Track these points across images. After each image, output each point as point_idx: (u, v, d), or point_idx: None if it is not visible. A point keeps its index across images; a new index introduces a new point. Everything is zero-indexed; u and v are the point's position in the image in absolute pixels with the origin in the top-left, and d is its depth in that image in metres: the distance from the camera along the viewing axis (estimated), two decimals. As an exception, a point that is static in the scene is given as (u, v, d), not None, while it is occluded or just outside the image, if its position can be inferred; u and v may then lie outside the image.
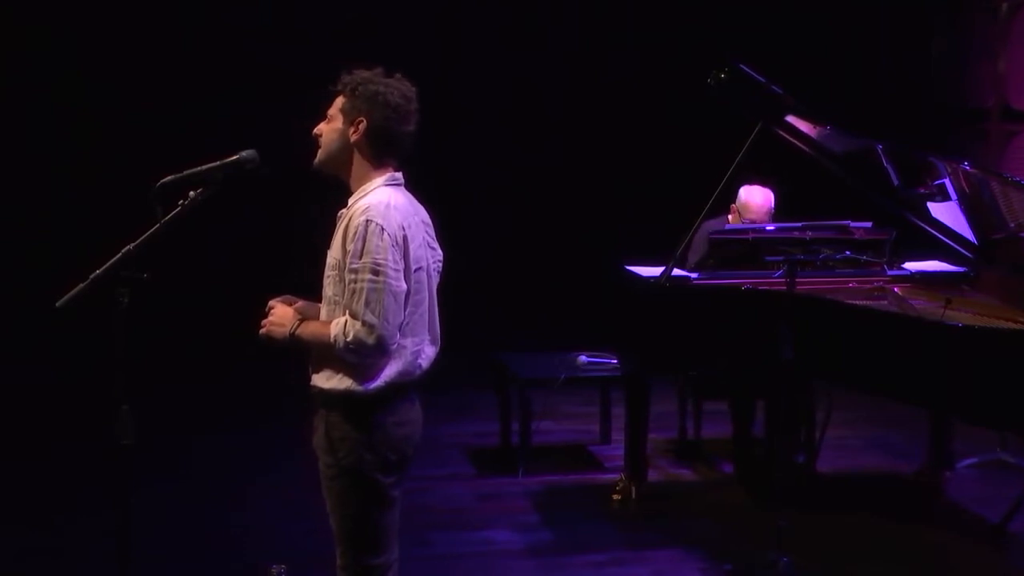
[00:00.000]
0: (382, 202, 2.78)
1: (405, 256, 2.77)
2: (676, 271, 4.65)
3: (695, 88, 4.57)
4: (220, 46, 7.62)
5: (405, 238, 2.77)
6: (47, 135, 7.45)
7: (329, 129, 2.86)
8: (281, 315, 2.84)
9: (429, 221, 2.92)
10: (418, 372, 2.85)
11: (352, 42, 7.30)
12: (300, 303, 2.90)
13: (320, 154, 2.88)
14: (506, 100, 8.31)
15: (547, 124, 8.42)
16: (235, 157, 2.81)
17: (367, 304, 2.70)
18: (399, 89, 2.83)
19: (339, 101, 2.86)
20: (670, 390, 5.68)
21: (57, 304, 2.64)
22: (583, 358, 5.51)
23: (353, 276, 2.73)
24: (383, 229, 2.73)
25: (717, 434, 5.68)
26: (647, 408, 4.90)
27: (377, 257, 2.72)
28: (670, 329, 4.57)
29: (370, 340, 2.70)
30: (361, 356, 2.74)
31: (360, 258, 2.72)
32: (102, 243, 2.92)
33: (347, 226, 2.78)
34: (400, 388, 2.82)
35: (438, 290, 2.92)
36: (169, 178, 2.71)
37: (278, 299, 2.89)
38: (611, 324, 4.92)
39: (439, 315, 2.91)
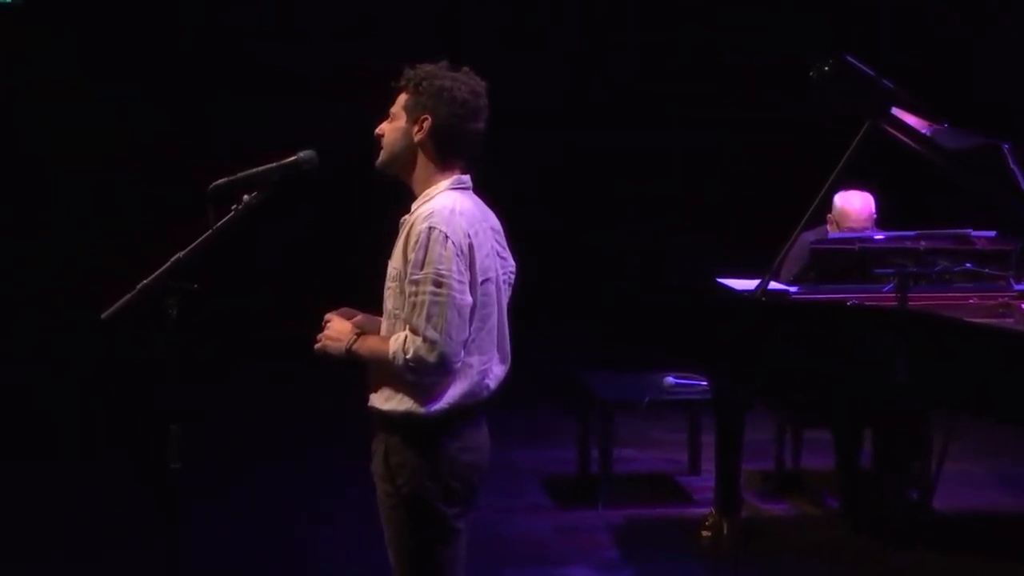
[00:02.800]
0: (447, 207, 2.78)
1: (471, 266, 2.77)
2: (773, 284, 4.61)
3: (774, 85, 4.53)
4: (268, 43, 7.77)
5: (471, 246, 2.77)
6: (91, 137, 7.65)
7: (392, 128, 2.88)
8: (338, 329, 2.86)
9: (499, 228, 2.92)
10: (485, 393, 2.85)
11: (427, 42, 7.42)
12: (359, 317, 2.92)
13: (382, 155, 2.90)
14: (555, 100, 8.37)
15: (609, 123, 8.43)
16: (292, 158, 2.85)
17: (428, 319, 2.71)
18: (467, 84, 2.83)
19: (402, 98, 2.87)
20: (766, 416, 5.62)
21: (102, 316, 2.70)
22: (670, 379, 5.48)
23: (414, 288, 2.74)
24: (447, 237, 2.73)
25: (819, 465, 5.59)
26: (741, 435, 4.85)
27: (440, 267, 2.72)
28: (766, 348, 4.53)
29: (431, 358, 2.71)
30: (422, 375, 2.75)
31: (422, 268, 2.73)
32: (150, 251, 2.97)
33: (408, 233, 2.79)
34: (466, 410, 2.82)
35: (509, 303, 2.92)
36: (221, 181, 2.77)
37: (336, 312, 2.91)
38: (701, 342, 4.87)
39: (509, 331, 2.90)
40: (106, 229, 7.64)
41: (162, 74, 7.76)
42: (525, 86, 7.80)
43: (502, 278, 2.90)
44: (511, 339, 2.91)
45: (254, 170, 2.83)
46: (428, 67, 2.86)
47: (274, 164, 2.84)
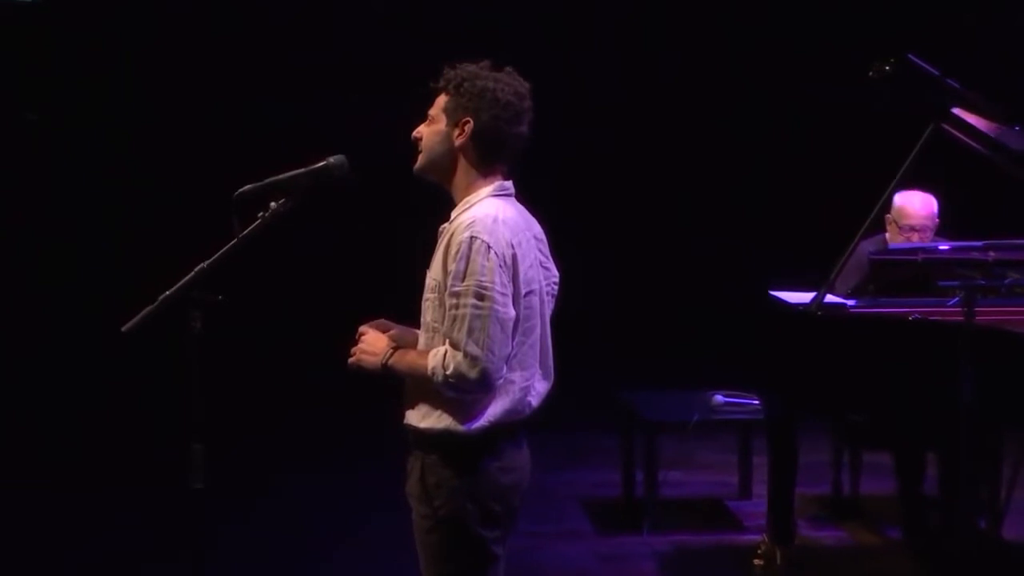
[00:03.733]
0: (489, 215, 2.78)
1: (515, 278, 2.77)
2: (829, 297, 4.56)
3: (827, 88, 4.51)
4: (296, 40, 7.81)
5: (515, 257, 2.77)
6: (112, 139, 7.70)
7: (431, 131, 2.88)
8: (373, 343, 2.86)
9: (543, 236, 2.92)
10: (527, 411, 2.84)
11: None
12: (395, 329, 2.92)
13: (421, 159, 2.89)
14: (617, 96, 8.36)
15: (652, 128, 8.42)
16: (322, 163, 2.85)
17: (470, 333, 2.71)
18: (510, 85, 2.83)
19: (441, 100, 2.87)
20: (822, 437, 5.57)
21: (123, 329, 2.71)
22: (719, 398, 5.45)
23: (455, 300, 2.74)
24: (489, 247, 2.73)
25: (878, 490, 5.54)
26: (795, 458, 4.80)
27: (482, 279, 2.72)
28: (822, 365, 4.48)
29: (472, 374, 2.71)
30: (462, 391, 2.74)
31: (463, 280, 2.73)
32: (173, 260, 2.99)
33: (449, 243, 2.78)
34: (507, 429, 2.81)
35: (552, 316, 2.91)
36: (248, 187, 2.78)
37: (371, 324, 2.91)
38: (752, 358, 4.83)
39: (552, 345, 2.89)
40: (126, 237, 7.68)
41: (188, 74, 7.80)
42: (572, 86, 7.83)
43: (545, 289, 2.89)
44: (554, 354, 2.90)
45: (282, 176, 2.83)
46: (469, 67, 2.85)
47: (302, 169, 2.85)
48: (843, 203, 4.92)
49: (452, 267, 2.74)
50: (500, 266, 2.73)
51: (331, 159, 2.87)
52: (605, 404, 5.90)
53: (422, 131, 2.89)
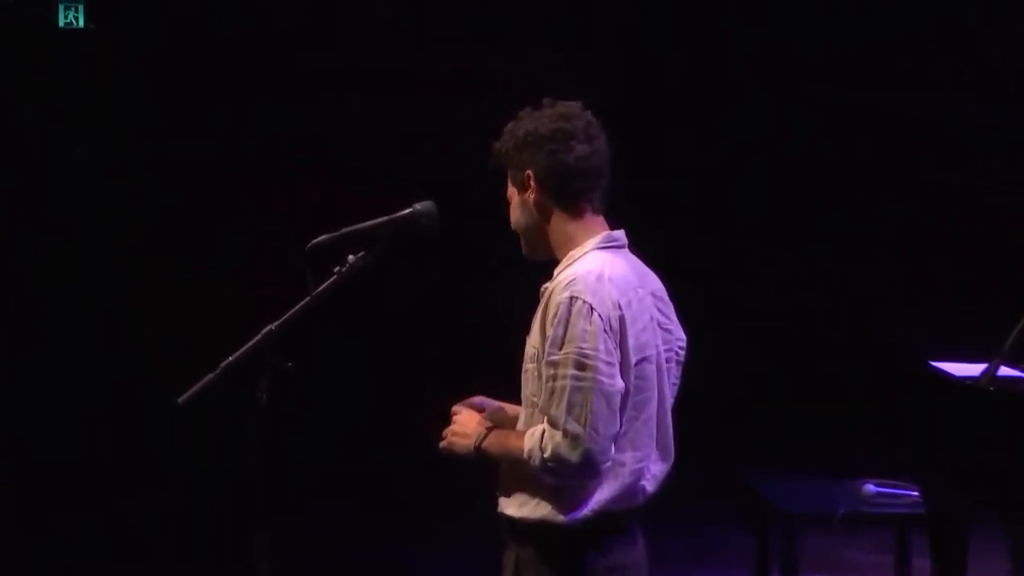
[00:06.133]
0: (592, 272, 2.77)
1: (622, 344, 2.74)
2: (1004, 370, 4.45)
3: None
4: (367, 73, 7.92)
5: (622, 320, 2.74)
6: (164, 175, 7.79)
7: (513, 210, 2.91)
8: (465, 424, 2.86)
9: (663, 294, 2.89)
10: (641, 498, 2.81)
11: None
12: (492, 408, 2.91)
13: (523, 243, 2.93)
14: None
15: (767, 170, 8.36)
16: (407, 210, 2.87)
17: (570, 409, 2.69)
18: (550, 114, 2.85)
19: (508, 176, 2.91)
20: (997, 535, 5.39)
21: (180, 400, 2.73)
22: (870, 487, 5.32)
23: (552, 371, 2.72)
24: (592, 309, 2.71)
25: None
26: (964, 559, 4.66)
27: (584, 346, 2.70)
28: (996, 449, 4.36)
29: (574, 456, 2.68)
30: (562, 476, 2.71)
31: (561, 347, 2.71)
32: (237, 321, 2.99)
33: (547, 304, 2.77)
34: (616, 519, 2.78)
35: (679, 385, 2.89)
36: (323, 238, 2.80)
37: (464, 403, 2.91)
38: (910, 441, 4.75)
39: (673, 420, 2.86)
40: (183, 296, 7.77)
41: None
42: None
43: (664, 355, 2.85)
44: (675, 431, 2.87)
45: (361, 225, 2.85)
46: (509, 126, 2.88)
47: (385, 218, 2.86)
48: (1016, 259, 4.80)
49: (550, 332, 2.73)
50: (605, 331, 2.71)
51: (418, 205, 2.88)
52: (735, 492, 5.80)
53: (512, 215, 2.93)
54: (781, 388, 7.86)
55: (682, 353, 2.91)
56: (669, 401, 2.86)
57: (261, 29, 7.62)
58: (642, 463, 2.78)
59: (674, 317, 2.90)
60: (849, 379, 6.53)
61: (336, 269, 2.81)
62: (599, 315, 2.71)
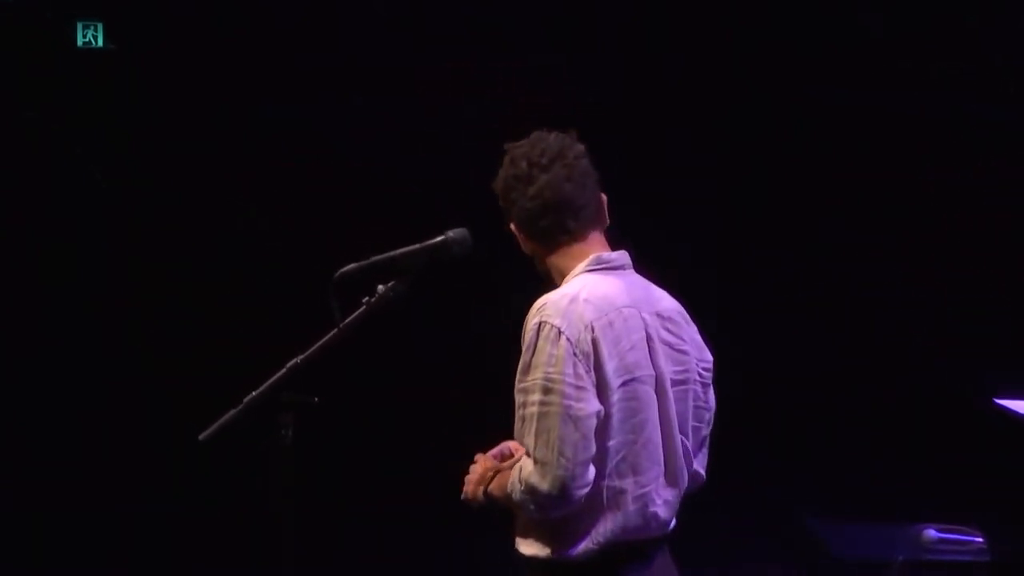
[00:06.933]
0: (566, 295, 2.79)
1: (597, 366, 2.74)
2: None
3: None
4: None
5: (595, 341, 2.74)
6: (184, 199, 7.79)
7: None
8: (479, 471, 2.89)
9: (674, 314, 2.90)
10: (653, 524, 2.79)
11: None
12: (518, 456, 2.88)
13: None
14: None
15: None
16: (439, 238, 2.85)
17: (538, 436, 2.71)
18: (505, 163, 2.91)
19: None
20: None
21: (200, 437, 2.72)
22: (931, 533, 5.28)
23: (522, 399, 2.75)
24: (560, 333, 2.73)
25: None
26: (1030, 610, 4.61)
27: (550, 371, 2.72)
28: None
29: (544, 485, 2.69)
30: (540, 507, 2.73)
31: (529, 373, 2.74)
32: (260, 354, 2.97)
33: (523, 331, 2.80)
34: (629, 550, 2.77)
35: (715, 409, 2.90)
36: (351, 267, 2.79)
37: (492, 452, 2.92)
38: (974, 484, 4.71)
39: (698, 442, 2.88)
40: (203, 329, 7.75)
41: (276, 127, 7.92)
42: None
43: (676, 376, 2.85)
44: (705, 451, 2.89)
45: (391, 253, 2.83)
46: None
47: (416, 246, 2.85)
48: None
49: (521, 359, 2.77)
50: (573, 354, 2.73)
51: (450, 233, 2.87)
52: (783, 531, 5.76)
53: None
54: (832, 422, 7.79)
55: (708, 375, 2.92)
56: (682, 423, 2.85)
57: (260, 29, 7.67)
58: (646, 488, 2.78)
59: (693, 337, 2.91)
60: (909, 414, 6.50)
61: (365, 300, 2.80)
62: (567, 338, 2.73)
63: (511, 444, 2.92)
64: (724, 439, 2.94)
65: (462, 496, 2.90)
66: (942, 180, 6.95)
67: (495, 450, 2.93)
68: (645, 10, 8.17)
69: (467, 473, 2.90)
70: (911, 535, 5.30)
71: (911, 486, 5.61)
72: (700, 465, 2.93)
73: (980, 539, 5.07)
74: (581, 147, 2.92)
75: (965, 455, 4.87)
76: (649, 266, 3.00)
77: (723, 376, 3.00)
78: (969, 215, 8.05)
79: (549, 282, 2.92)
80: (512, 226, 2.91)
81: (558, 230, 2.87)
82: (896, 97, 6.13)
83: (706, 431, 2.94)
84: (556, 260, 2.90)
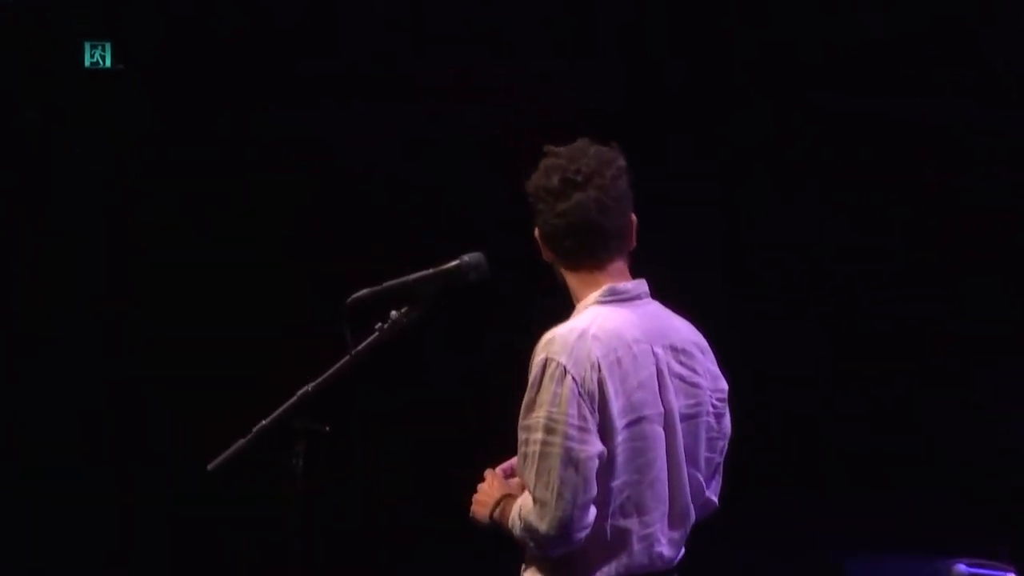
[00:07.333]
0: (575, 330, 2.76)
1: (602, 407, 2.72)
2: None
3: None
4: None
5: (601, 381, 2.72)
6: (193, 222, 7.78)
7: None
8: (487, 491, 2.88)
9: (688, 345, 2.87)
10: (660, 564, 2.79)
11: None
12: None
13: None
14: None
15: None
16: (454, 262, 2.84)
17: (538, 475, 2.70)
18: (540, 167, 2.86)
19: None
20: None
21: (209, 467, 2.71)
22: (962, 568, 5.24)
23: (525, 436, 2.74)
24: (566, 371, 2.71)
25: None
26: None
27: (553, 411, 2.70)
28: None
29: (543, 526, 2.68)
30: (541, 547, 2.72)
31: (532, 411, 2.72)
32: (270, 382, 2.96)
33: (530, 364, 2.78)
34: None
35: (730, 437, 2.90)
36: (363, 292, 2.77)
37: (502, 467, 2.91)
38: (1008, 514, 4.67)
39: (712, 475, 2.88)
40: (211, 356, 7.72)
41: (286, 150, 7.92)
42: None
43: (688, 411, 2.83)
44: (718, 478, 2.89)
45: (405, 278, 2.81)
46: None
47: (430, 271, 2.83)
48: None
49: (526, 395, 2.75)
50: (579, 394, 2.71)
51: (465, 257, 2.85)
52: (811, 570, 5.73)
53: None
54: (855, 450, 7.76)
55: (722, 405, 2.90)
56: (693, 456, 2.84)
57: (261, 35, 7.70)
58: (651, 528, 2.77)
59: (708, 368, 2.89)
60: (937, 442, 6.47)
61: (378, 325, 2.78)
62: (572, 377, 2.71)
63: (515, 460, 2.90)
64: (736, 462, 2.91)
65: (470, 514, 2.89)
66: (944, 185, 6.95)
67: (505, 464, 2.92)
68: (647, 16, 8.21)
69: (476, 489, 2.90)
70: (941, 569, 5.26)
71: (941, 518, 5.58)
72: (713, 492, 2.92)
73: (1012, 573, 5.04)
74: (622, 164, 2.86)
75: (998, 486, 4.85)
76: (651, 272, 2.96)
77: (731, 382, 2.98)
78: (971, 220, 8.02)
79: (564, 292, 2.89)
80: (536, 232, 2.87)
81: (580, 253, 2.84)
82: (897, 103, 6.16)
83: (719, 459, 2.93)
84: (572, 281, 2.87)
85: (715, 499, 2.93)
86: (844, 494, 7.48)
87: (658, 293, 2.94)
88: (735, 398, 3.05)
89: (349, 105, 7.33)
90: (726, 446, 2.94)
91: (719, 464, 2.93)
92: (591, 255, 2.84)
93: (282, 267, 6.63)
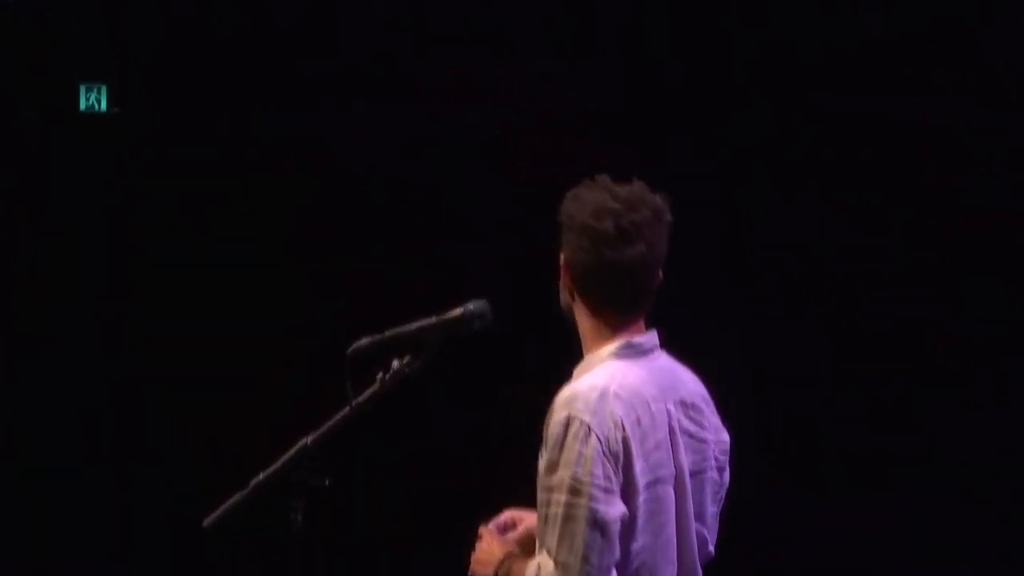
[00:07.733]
0: (596, 388, 2.70)
1: (626, 467, 2.69)
2: None
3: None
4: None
5: (625, 440, 2.68)
6: (190, 271, 7.71)
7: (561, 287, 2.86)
8: (487, 550, 2.83)
9: (695, 399, 2.85)
10: None
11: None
12: (522, 528, 2.88)
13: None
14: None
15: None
16: (458, 311, 2.80)
17: (562, 538, 2.65)
18: (592, 199, 2.75)
19: None
20: None
21: (204, 523, 2.69)
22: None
23: (547, 496, 2.69)
24: (590, 430, 2.66)
25: None
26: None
27: (578, 471, 2.65)
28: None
29: None
30: None
31: (556, 471, 2.67)
32: (267, 435, 2.93)
33: (547, 421, 2.73)
34: None
35: (728, 487, 2.89)
36: (364, 342, 2.75)
37: (495, 522, 2.89)
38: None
39: (716, 526, 2.87)
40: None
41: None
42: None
43: (695, 468, 2.81)
44: (715, 526, 2.87)
45: (407, 327, 2.78)
46: (569, 193, 2.81)
47: (432, 319, 2.79)
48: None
49: (547, 454, 2.70)
50: (603, 454, 2.66)
51: (470, 305, 2.81)
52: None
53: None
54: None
55: (723, 458, 2.87)
56: (700, 512, 2.83)
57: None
58: None
59: (713, 420, 2.87)
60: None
61: (380, 375, 2.76)
62: (597, 437, 2.66)
63: (513, 514, 2.91)
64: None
65: (469, 574, 2.85)
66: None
67: (499, 520, 2.90)
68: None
69: (474, 547, 2.86)
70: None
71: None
72: (712, 544, 2.91)
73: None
74: (670, 219, 2.79)
75: (997, 484, 4.82)
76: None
77: (730, 384, 3.00)
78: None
79: (570, 323, 2.84)
80: (561, 256, 2.80)
81: (607, 302, 2.77)
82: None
83: (717, 508, 2.92)
84: (587, 325, 2.80)
85: (713, 550, 2.91)
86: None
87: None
88: (735, 398, 3.04)
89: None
90: (723, 496, 2.92)
91: (716, 514, 2.91)
92: (619, 308, 2.78)
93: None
